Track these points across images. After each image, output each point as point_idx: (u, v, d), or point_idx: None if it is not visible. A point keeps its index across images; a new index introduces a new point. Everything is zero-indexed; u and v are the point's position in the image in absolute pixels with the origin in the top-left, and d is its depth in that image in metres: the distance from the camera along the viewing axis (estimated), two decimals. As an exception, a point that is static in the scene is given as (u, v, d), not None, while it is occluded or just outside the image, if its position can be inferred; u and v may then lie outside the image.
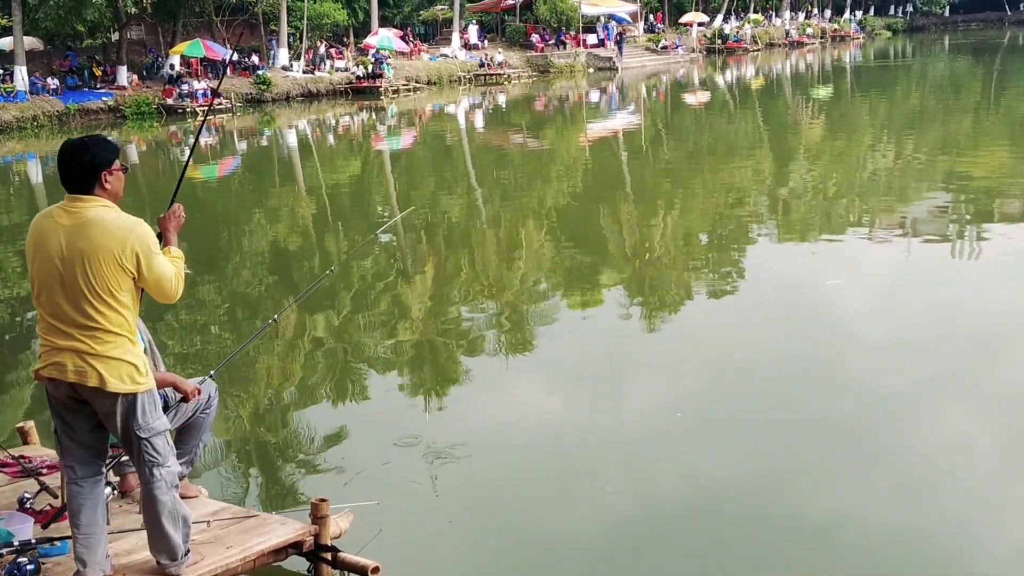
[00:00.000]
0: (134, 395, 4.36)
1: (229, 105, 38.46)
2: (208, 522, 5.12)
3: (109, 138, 4.59)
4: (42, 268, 4.34)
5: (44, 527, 5.02)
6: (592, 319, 10.72)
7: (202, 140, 32.14)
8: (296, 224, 17.11)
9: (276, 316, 6.58)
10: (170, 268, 4.42)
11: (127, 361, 4.34)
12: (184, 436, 5.03)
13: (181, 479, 5.04)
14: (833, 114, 32.75)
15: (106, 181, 4.35)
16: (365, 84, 43.27)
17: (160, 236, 4.61)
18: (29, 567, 4.57)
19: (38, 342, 4.46)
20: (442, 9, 56.50)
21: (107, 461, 4.81)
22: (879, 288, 11.15)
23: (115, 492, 5.28)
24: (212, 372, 5.48)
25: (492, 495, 6.45)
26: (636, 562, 5.52)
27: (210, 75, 40.21)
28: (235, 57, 41.02)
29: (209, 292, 12.00)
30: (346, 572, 5.20)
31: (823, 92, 41.22)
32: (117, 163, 4.41)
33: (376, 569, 5.03)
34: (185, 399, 5.01)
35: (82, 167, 4.32)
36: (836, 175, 19.98)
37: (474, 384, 8.68)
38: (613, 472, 6.66)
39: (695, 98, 40.83)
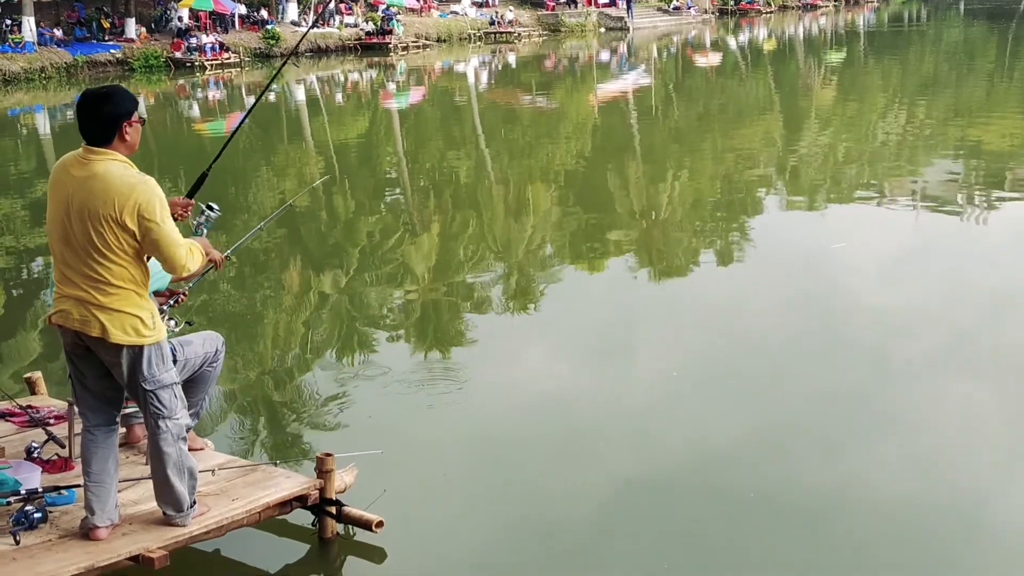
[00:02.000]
0: (139, 347, 4.38)
1: (237, 60, 38.25)
2: (213, 470, 5.17)
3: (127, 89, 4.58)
4: (53, 216, 4.37)
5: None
6: (599, 281, 10.72)
7: (210, 94, 32.03)
8: (303, 181, 17.08)
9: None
10: (178, 238, 4.35)
11: (131, 313, 4.34)
12: (190, 389, 5.05)
13: (188, 431, 5.08)
14: (845, 78, 32.49)
15: (126, 133, 4.33)
16: (374, 40, 42.98)
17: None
18: (36, 515, 4.62)
19: (45, 293, 4.48)
20: (453, -35, 55.95)
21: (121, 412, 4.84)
22: (888, 254, 11.13)
23: None
24: (229, 251, 5.37)
25: (496, 454, 6.48)
26: (640, 524, 5.53)
27: (218, 29, 39.95)
28: (244, 11, 40.72)
29: (215, 246, 11.99)
30: (350, 526, 5.26)
31: (836, 56, 40.87)
32: (136, 115, 4.40)
33: (380, 523, 5.08)
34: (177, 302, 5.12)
35: (103, 117, 4.30)
36: (847, 140, 19.87)
37: (480, 343, 8.70)
38: (617, 433, 6.67)
39: (706, 60, 40.51)
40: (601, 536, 5.41)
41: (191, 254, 4.41)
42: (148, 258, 4.44)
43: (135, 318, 4.35)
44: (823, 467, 6.12)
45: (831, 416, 6.84)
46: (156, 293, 5.15)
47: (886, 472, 6.02)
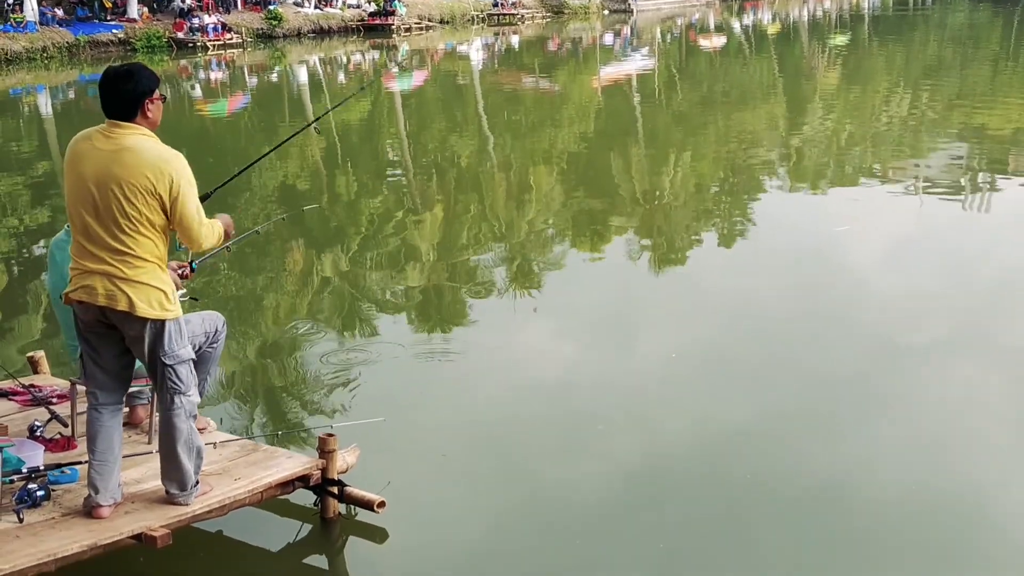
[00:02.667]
0: (162, 321, 4.41)
1: (240, 40, 38.14)
2: (215, 444, 5.19)
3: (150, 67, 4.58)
4: (75, 189, 4.35)
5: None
6: (601, 263, 10.71)
7: (212, 75, 31.96)
8: (306, 162, 17.05)
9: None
10: (202, 216, 4.44)
11: (156, 287, 4.38)
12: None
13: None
14: (849, 62, 32.38)
15: (148, 109, 4.36)
16: (377, 21, 42.88)
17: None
18: (39, 493, 4.63)
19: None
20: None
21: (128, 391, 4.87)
22: (891, 238, 11.11)
23: None
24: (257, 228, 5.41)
25: (498, 435, 6.48)
26: (639, 505, 5.54)
27: (220, 9, 39.83)
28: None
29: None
30: (352, 506, 5.28)
31: (840, 39, 40.73)
32: (158, 92, 4.43)
33: (382, 503, 5.09)
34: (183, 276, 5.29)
35: (126, 94, 4.33)
36: (851, 124, 19.81)
37: (482, 325, 8.70)
38: (617, 415, 6.66)
39: (710, 43, 40.37)
40: (600, 517, 5.42)
41: (212, 231, 4.52)
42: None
43: (160, 292, 4.39)
44: (825, 452, 6.12)
45: (833, 400, 6.83)
46: None
47: (889, 457, 6.01)
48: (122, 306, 4.32)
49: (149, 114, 4.37)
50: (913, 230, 11.57)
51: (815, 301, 8.95)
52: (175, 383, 4.52)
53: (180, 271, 5.43)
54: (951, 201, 12.97)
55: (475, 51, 38.74)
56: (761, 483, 5.73)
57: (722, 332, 8.25)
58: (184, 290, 5.51)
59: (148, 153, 4.28)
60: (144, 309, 4.34)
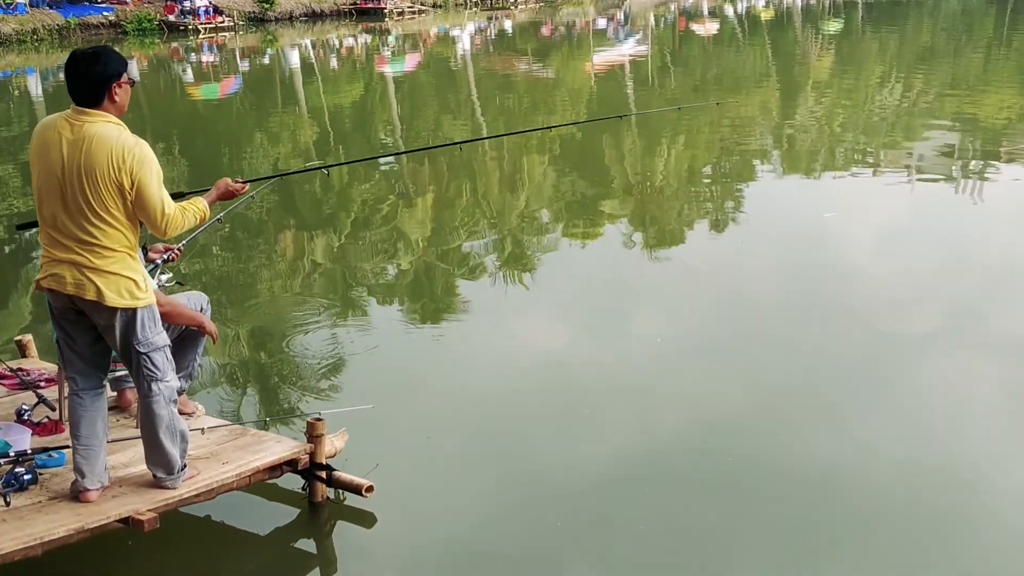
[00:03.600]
0: (133, 310, 4.38)
1: (231, 23, 37.95)
2: (203, 429, 5.18)
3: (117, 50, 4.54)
4: (43, 180, 4.31)
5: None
6: (592, 248, 10.70)
7: (203, 58, 31.81)
8: (297, 146, 17.00)
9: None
10: (167, 202, 4.36)
11: (126, 276, 4.34)
12: (179, 350, 5.05)
13: (180, 394, 5.09)
14: (843, 48, 32.35)
15: (115, 94, 4.31)
16: (370, 5, 42.75)
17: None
18: (26, 477, 4.62)
19: (38, 254, 4.46)
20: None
21: (108, 375, 4.85)
22: (883, 224, 11.11)
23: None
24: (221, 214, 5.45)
25: (488, 419, 6.48)
26: (631, 488, 5.54)
27: (212, -8, 39.61)
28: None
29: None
30: (340, 490, 5.28)
31: (833, 26, 40.67)
32: (126, 76, 4.37)
33: (370, 488, 5.09)
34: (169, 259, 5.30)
35: (93, 76, 4.27)
36: (843, 111, 19.80)
37: (472, 310, 8.70)
38: (609, 399, 6.66)
39: (704, 28, 40.29)
40: (590, 499, 5.43)
41: (182, 217, 4.43)
42: (141, 223, 4.43)
43: (129, 281, 4.35)
44: (819, 436, 6.10)
45: (827, 381, 6.84)
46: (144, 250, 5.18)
47: (883, 441, 6.00)
48: (90, 295, 4.29)
49: (117, 98, 4.31)
50: (904, 216, 11.58)
51: (807, 287, 8.95)
52: (151, 370, 4.49)
53: (167, 254, 5.42)
54: (943, 187, 12.97)
55: (467, 36, 38.62)
56: (756, 464, 5.74)
57: (713, 316, 8.25)
58: (170, 274, 5.49)
59: (112, 142, 4.22)
60: (113, 299, 4.31)
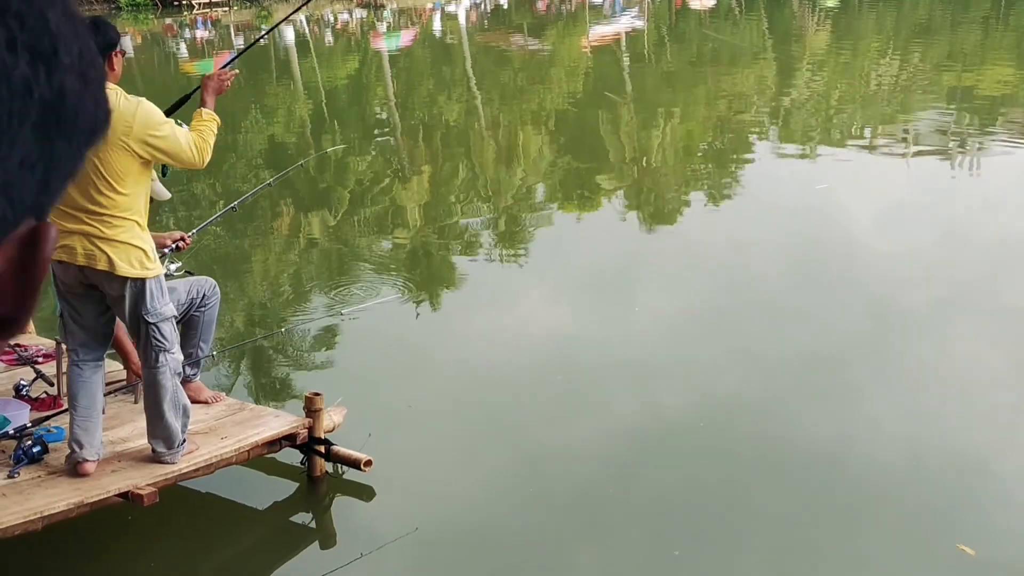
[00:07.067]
0: (143, 280, 4.40)
1: (226, -1, 37.74)
2: (207, 400, 5.20)
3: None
4: None
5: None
6: (589, 224, 10.69)
7: (198, 34, 31.62)
8: (292, 123, 16.94)
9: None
10: (183, 136, 4.44)
11: (136, 246, 4.37)
12: (182, 334, 5.09)
13: (190, 381, 5.13)
14: (840, 23, 32.21)
15: (113, 62, 4.36)
16: (364, -20, 42.38)
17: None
18: (35, 449, 4.64)
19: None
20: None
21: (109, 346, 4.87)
22: (880, 198, 11.09)
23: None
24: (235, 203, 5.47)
25: (486, 394, 6.50)
26: (632, 466, 5.54)
27: (206, -33, 39.32)
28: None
29: (203, 189, 11.95)
30: (339, 465, 5.30)
31: (831, 1, 40.45)
32: (119, 46, 4.42)
33: (369, 462, 5.11)
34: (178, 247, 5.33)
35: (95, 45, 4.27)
36: (840, 85, 19.74)
37: (469, 287, 8.70)
38: (608, 377, 6.64)
39: (700, 2, 40.06)
40: (592, 476, 5.43)
41: (203, 141, 4.55)
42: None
43: (139, 250, 4.38)
44: (822, 415, 6.05)
45: (832, 358, 6.79)
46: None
47: (886, 421, 5.94)
48: (102, 266, 4.31)
49: (116, 67, 4.37)
50: (902, 191, 11.56)
51: (806, 263, 8.92)
52: (159, 340, 4.51)
53: (178, 242, 5.40)
54: (940, 162, 12.95)
55: (463, 10, 38.39)
56: (760, 443, 5.70)
57: (715, 295, 8.22)
58: (180, 263, 5.49)
59: (116, 109, 4.22)
60: (124, 268, 4.33)
